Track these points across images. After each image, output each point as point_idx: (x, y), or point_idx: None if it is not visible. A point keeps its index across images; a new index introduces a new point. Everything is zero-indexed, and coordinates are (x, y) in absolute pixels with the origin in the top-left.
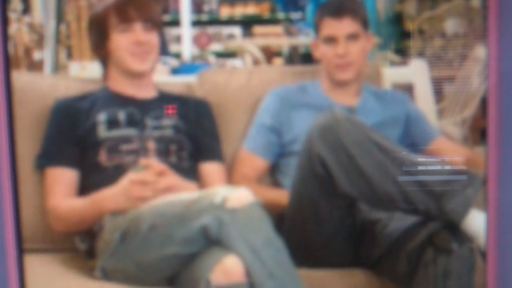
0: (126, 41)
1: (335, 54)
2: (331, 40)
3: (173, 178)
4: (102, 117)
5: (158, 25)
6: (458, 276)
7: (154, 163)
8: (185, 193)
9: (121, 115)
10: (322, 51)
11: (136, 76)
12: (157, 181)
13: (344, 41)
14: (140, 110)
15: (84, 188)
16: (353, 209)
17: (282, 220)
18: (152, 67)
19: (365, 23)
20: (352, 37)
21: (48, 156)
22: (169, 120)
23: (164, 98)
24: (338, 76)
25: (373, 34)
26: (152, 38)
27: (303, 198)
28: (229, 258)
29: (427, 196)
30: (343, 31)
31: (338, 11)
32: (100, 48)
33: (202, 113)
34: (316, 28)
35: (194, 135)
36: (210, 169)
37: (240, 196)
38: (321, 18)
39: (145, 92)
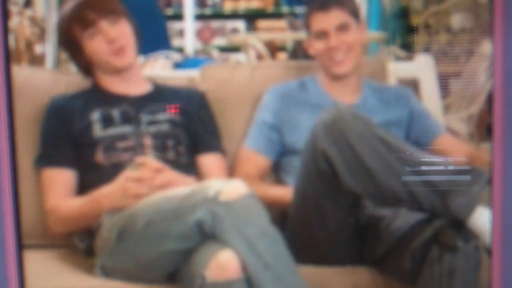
0: (98, 44)
1: (328, 48)
2: (322, 34)
3: (170, 174)
4: (96, 116)
5: (123, 13)
6: (463, 274)
7: (150, 161)
8: (180, 188)
9: (115, 113)
10: (315, 47)
11: (123, 71)
12: (153, 178)
13: (334, 33)
14: (134, 107)
15: (84, 187)
16: (358, 206)
17: (286, 218)
18: (135, 59)
19: (355, 13)
20: (342, 28)
21: (45, 157)
22: (164, 115)
23: (159, 92)
24: (335, 70)
25: (365, 24)
26: (122, 29)
27: (307, 195)
28: (224, 253)
29: (433, 193)
30: (332, 23)
31: (324, 4)
32: (80, 60)
33: (199, 104)
34: (307, 25)
35: (192, 128)
36: (209, 161)
37: (233, 188)
38: (309, 14)
39: (137, 88)
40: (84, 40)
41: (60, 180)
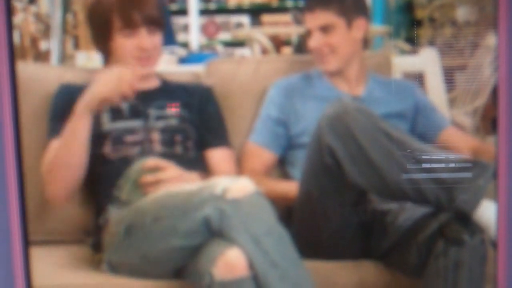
0: (130, 45)
1: (310, 46)
2: (309, 33)
3: (174, 171)
4: (104, 108)
5: (162, 25)
6: (469, 268)
7: (157, 161)
8: (187, 184)
9: (124, 106)
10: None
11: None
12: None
13: (318, 33)
14: (143, 101)
15: (91, 179)
16: (363, 200)
17: (292, 212)
18: (156, 67)
19: (347, 12)
20: (325, 29)
21: (52, 131)
22: (172, 110)
23: (167, 88)
24: (321, 67)
25: (366, 20)
26: (157, 40)
27: (313, 190)
28: (232, 251)
29: (438, 186)
30: (314, 24)
31: (309, 5)
32: (102, 46)
33: (206, 99)
34: None
35: (199, 123)
36: (218, 155)
37: (240, 186)
38: (303, 12)
39: (147, 83)
40: (117, 35)
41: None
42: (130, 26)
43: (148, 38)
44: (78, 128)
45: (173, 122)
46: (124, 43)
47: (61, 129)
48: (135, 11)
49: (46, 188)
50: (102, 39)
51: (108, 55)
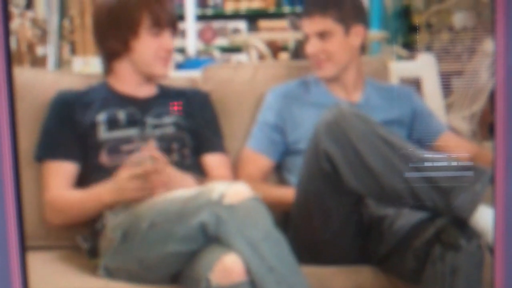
0: (156, 45)
1: (306, 52)
2: (306, 38)
3: (171, 171)
4: (102, 117)
5: (178, 29)
6: (466, 273)
7: (160, 155)
8: (183, 189)
9: (121, 115)
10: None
11: (155, 78)
12: (159, 172)
13: (315, 39)
14: (140, 109)
15: (87, 186)
16: (360, 206)
17: (289, 218)
18: None
19: (345, 18)
20: (323, 35)
21: (47, 149)
22: (169, 118)
23: (164, 95)
24: (317, 73)
25: (364, 27)
26: (173, 44)
27: (310, 195)
28: (229, 256)
29: (435, 191)
30: (312, 29)
31: (307, 10)
32: (122, 43)
33: (202, 104)
34: None
35: (196, 130)
36: (214, 161)
37: (237, 191)
38: (301, 17)
39: (146, 91)
40: (144, 33)
41: (62, 172)
42: (159, 25)
43: (171, 40)
44: (102, 200)
45: (170, 130)
46: (151, 42)
47: (55, 147)
48: (163, 12)
49: (47, 215)
50: (125, 35)
51: (120, 54)
